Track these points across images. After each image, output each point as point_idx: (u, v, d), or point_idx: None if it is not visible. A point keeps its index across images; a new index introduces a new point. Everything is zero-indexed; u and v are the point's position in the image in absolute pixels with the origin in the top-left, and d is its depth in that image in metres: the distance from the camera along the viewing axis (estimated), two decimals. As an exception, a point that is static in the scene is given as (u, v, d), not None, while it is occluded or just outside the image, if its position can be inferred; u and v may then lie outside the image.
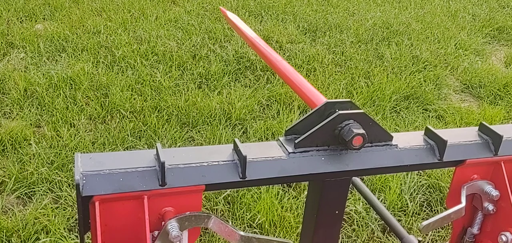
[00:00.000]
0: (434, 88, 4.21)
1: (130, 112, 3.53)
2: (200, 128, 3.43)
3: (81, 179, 1.07)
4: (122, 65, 4.14)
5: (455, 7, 6.28)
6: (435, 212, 2.87)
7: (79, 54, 4.30)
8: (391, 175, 2.95)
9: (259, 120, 3.56)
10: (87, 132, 3.33)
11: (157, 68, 4.15)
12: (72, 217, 2.62)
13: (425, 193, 2.97)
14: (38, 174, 2.85)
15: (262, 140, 3.33)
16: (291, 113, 3.64)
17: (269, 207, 2.69)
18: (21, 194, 2.76)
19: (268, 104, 3.79)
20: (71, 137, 3.21)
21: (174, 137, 3.30)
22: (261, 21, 5.35)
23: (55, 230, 2.50)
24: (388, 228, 2.05)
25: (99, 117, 3.46)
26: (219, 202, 2.76)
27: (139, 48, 4.42)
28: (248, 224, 2.67)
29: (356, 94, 3.98)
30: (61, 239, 2.47)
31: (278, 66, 2.61)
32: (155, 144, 1.98)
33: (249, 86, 4.01)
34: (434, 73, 4.44)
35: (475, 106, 4.14)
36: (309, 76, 4.27)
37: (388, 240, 2.66)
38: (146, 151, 1.19)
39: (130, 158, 1.16)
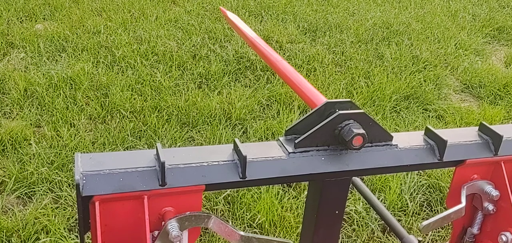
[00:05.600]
0: (434, 88, 4.21)
1: (130, 112, 3.53)
2: (200, 128, 3.43)
3: (81, 179, 1.07)
4: (122, 65, 4.14)
5: (455, 7, 6.28)
6: (435, 212, 2.87)
7: (79, 54, 4.30)
8: (391, 175, 2.95)
9: (259, 120, 3.56)
10: (87, 132, 3.33)
11: (157, 68, 4.15)
12: (72, 217, 2.62)
13: (425, 193, 2.97)
14: (38, 174, 2.85)
15: (262, 140, 3.33)
16: (291, 113, 3.64)
17: (269, 207, 2.69)
18: (21, 194, 2.76)
19: (268, 104, 3.79)
20: (71, 137, 3.21)
21: (174, 137, 3.30)
22: (261, 21, 5.35)
23: (55, 230, 2.50)
24: (388, 228, 2.05)
25: (99, 117, 3.46)
26: (219, 202, 2.76)
27: (139, 48, 4.42)
28: (248, 224, 2.67)
29: (356, 94, 3.98)
30: (61, 239, 2.47)
31: (278, 66, 2.61)
32: (155, 144, 1.98)
33: (249, 86, 4.01)
34: (434, 73, 4.44)
35: (475, 106, 4.14)
36: (309, 76, 4.27)
37: (388, 240, 2.66)
38: (146, 151, 1.19)
39: (130, 158, 1.16)
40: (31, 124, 3.33)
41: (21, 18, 4.96)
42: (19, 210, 2.66)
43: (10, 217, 2.60)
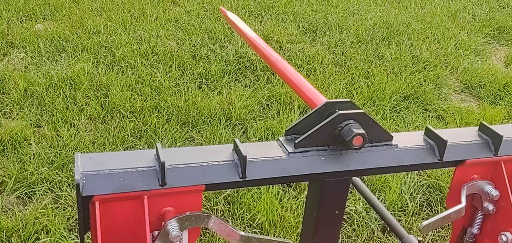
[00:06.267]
0: (434, 88, 4.21)
1: (130, 112, 3.53)
2: (200, 128, 3.43)
3: (81, 179, 1.07)
4: (122, 65, 4.14)
5: (455, 7, 6.28)
6: (435, 212, 2.87)
7: (79, 54, 4.30)
8: (391, 175, 2.95)
9: (259, 120, 3.56)
10: (87, 132, 3.33)
11: (157, 68, 4.15)
12: (72, 217, 2.62)
13: (425, 193, 2.97)
14: (38, 174, 2.85)
15: (262, 140, 3.33)
16: (291, 113, 3.64)
17: (269, 207, 2.69)
18: (21, 194, 2.76)
19: (268, 104, 3.79)
20: (71, 137, 3.21)
21: (174, 137, 3.30)
22: (261, 21, 5.35)
23: (55, 230, 2.50)
24: (388, 228, 2.05)
25: (99, 117, 3.46)
26: (219, 202, 2.76)
27: (139, 48, 4.42)
28: (248, 224, 2.67)
29: (356, 94, 3.98)
30: (61, 239, 2.47)
31: (278, 66, 2.61)
32: (155, 144, 1.98)
33: (249, 86, 4.01)
34: (434, 73, 4.44)
35: (475, 106, 4.14)
36: (309, 76, 4.27)
37: (388, 240, 2.66)
38: (146, 151, 1.19)
39: (130, 158, 1.16)
40: (31, 124, 3.33)
41: (21, 18, 4.96)
42: (19, 210, 2.66)
43: (10, 217, 2.60)
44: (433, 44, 5.09)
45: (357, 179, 2.04)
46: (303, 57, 4.52)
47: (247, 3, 5.71)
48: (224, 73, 4.13)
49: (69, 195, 2.74)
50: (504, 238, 1.42)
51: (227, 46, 4.58)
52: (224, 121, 3.50)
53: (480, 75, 4.49)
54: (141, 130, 3.34)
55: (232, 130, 3.44)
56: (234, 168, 1.20)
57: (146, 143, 3.23)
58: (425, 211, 2.87)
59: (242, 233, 1.22)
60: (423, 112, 3.91)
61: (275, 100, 3.81)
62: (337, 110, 1.30)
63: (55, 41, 4.48)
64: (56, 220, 2.56)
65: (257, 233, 2.61)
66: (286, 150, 1.27)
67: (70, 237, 2.49)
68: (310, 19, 5.42)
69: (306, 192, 2.30)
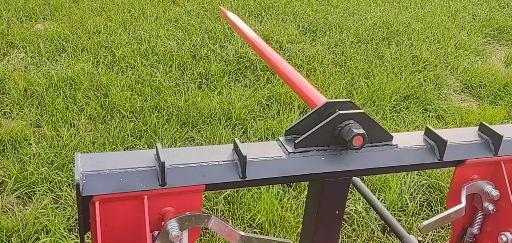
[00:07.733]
0: (434, 88, 4.21)
1: (130, 112, 3.53)
2: (200, 128, 3.43)
3: (81, 179, 1.07)
4: (122, 65, 4.14)
5: (455, 7, 6.28)
6: (435, 212, 2.87)
7: (79, 54, 4.30)
8: (391, 175, 2.95)
9: (259, 120, 3.56)
10: (87, 132, 3.33)
11: (157, 68, 4.15)
12: (72, 217, 2.62)
13: (425, 193, 2.97)
14: (38, 174, 2.85)
15: (262, 140, 3.33)
16: (291, 113, 3.64)
17: (269, 207, 2.69)
18: (21, 194, 2.76)
19: (268, 104, 3.79)
20: (71, 137, 3.21)
21: (174, 137, 3.30)
22: (261, 21, 5.35)
23: (55, 230, 2.50)
24: (388, 228, 2.05)
25: (99, 117, 3.46)
26: (219, 202, 2.76)
27: (139, 48, 4.42)
28: (248, 224, 2.67)
29: (356, 94, 3.98)
30: (61, 239, 2.47)
31: (278, 66, 2.60)
32: (155, 144, 1.98)
33: (249, 86, 4.01)
34: (434, 73, 4.44)
35: (475, 106, 4.14)
36: (309, 76, 4.27)
37: (388, 240, 2.66)
38: (146, 151, 1.19)
39: (130, 158, 1.16)
40: (31, 124, 3.33)
41: (21, 18, 4.96)
42: (19, 210, 2.66)
43: (10, 217, 2.60)
44: (433, 44, 5.09)
45: (357, 179, 2.04)
46: (303, 57, 4.52)
47: (247, 3, 5.71)
48: (224, 73, 4.13)
49: (69, 195, 2.74)
50: (504, 238, 1.42)
51: (227, 46, 4.58)
52: (224, 121, 3.50)
53: (480, 75, 4.49)
54: (141, 130, 3.34)
55: (232, 130, 3.44)
56: (234, 168, 1.20)
57: (146, 143, 3.23)
58: (425, 211, 2.87)
59: (242, 233, 1.22)
60: (423, 112, 3.91)
61: (275, 100, 3.81)
62: (337, 110, 1.30)
63: (55, 41, 4.48)
64: (56, 220, 2.56)
65: (257, 233, 2.61)
66: (286, 150, 1.26)
67: (70, 237, 2.49)
68: (310, 19, 5.42)
69: (306, 192, 2.30)
